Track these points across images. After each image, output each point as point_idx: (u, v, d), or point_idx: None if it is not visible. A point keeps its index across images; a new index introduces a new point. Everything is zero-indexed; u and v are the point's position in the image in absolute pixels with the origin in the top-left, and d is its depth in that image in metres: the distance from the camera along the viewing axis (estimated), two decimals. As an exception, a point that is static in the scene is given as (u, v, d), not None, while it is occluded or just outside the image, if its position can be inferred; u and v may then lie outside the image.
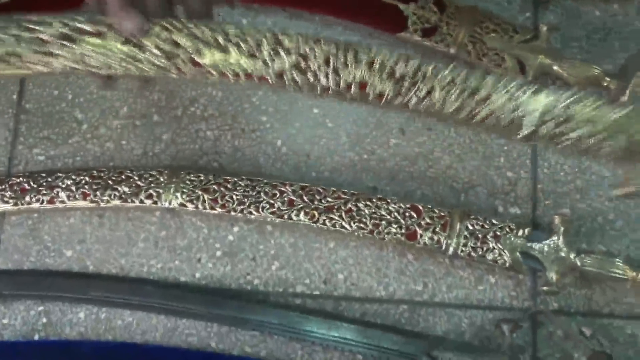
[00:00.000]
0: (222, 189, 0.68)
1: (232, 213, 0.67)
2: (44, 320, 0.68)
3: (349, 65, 0.46)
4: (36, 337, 0.67)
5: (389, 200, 0.66)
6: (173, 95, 0.72)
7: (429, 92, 0.45)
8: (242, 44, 0.46)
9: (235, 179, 0.68)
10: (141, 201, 0.68)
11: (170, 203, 0.68)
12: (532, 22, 0.71)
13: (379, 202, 0.67)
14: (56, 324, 0.68)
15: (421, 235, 0.65)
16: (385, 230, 0.66)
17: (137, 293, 0.67)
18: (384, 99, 0.46)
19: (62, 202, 0.69)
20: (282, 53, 0.46)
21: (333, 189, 0.67)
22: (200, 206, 0.68)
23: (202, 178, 0.69)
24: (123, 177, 0.70)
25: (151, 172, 0.70)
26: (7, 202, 0.69)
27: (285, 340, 0.65)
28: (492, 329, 0.64)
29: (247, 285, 0.68)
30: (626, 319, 0.64)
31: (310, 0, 0.73)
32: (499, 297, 0.65)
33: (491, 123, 0.45)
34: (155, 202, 0.68)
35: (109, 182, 0.69)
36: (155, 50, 0.46)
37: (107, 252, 0.70)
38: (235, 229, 0.70)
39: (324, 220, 0.66)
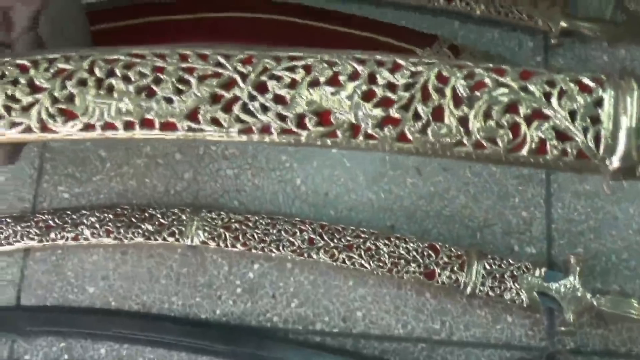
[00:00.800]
0: (243, 227, 0.70)
1: (253, 251, 0.68)
2: (66, 356, 0.69)
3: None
4: (58, 373, 0.65)
5: (407, 239, 0.68)
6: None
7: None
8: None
9: (256, 217, 0.70)
10: (164, 239, 0.70)
11: (192, 240, 0.70)
12: (543, 67, 0.73)
13: (397, 241, 0.68)
14: (77, 360, 0.65)
15: (439, 274, 0.66)
16: (404, 269, 0.67)
17: (158, 330, 0.68)
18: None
19: (86, 239, 0.70)
20: None
21: (352, 227, 0.68)
22: (222, 244, 0.69)
23: (224, 216, 0.70)
24: (146, 214, 0.71)
25: (174, 210, 0.71)
26: (32, 239, 0.71)
27: (304, 377, 0.63)
28: (509, 368, 0.62)
29: (266, 323, 0.69)
30: (642, 359, 0.62)
31: (327, 43, 0.71)
32: (516, 336, 0.66)
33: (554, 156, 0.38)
34: (177, 240, 0.70)
35: (133, 219, 0.71)
36: None
37: (130, 289, 0.71)
38: (256, 266, 0.71)
39: (344, 258, 0.67)
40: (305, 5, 0.76)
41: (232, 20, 0.76)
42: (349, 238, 0.68)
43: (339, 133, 0.39)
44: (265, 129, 0.40)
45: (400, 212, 0.72)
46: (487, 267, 0.66)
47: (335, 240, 0.68)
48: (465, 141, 0.38)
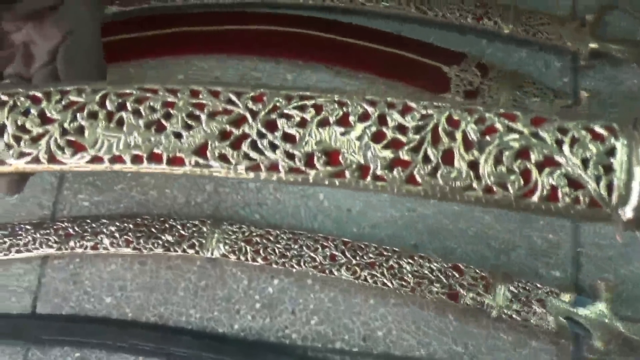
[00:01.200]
0: (264, 240, 0.70)
1: (274, 265, 0.69)
2: (81, 366, 0.67)
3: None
4: (72, 384, 0.67)
5: (430, 259, 0.67)
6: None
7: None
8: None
9: (278, 232, 0.70)
10: (184, 250, 0.70)
11: (212, 253, 0.70)
12: (570, 88, 0.73)
13: (420, 260, 0.68)
14: (92, 370, 0.67)
15: (463, 296, 0.66)
16: (427, 289, 0.66)
17: (175, 343, 0.68)
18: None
19: (105, 248, 0.71)
20: None
21: (374, 245, 0.68)
22: (242, 257, 0.69)
23: (245, 229, 0.71)
24: (166, 225, 0.72)
25: (194, 222, 0.72)
26: (51, 247, 0.72)
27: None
28: (533, 394, 0.63)
29: (285, 339, 0.69)
30: (671, 388, 0.62)
31: (354, 58, 0.75)
32: (540, 361, 0.64)
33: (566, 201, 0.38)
34: (197, 252, 0.70)
35: (152, 230, 0.71)
36: None
37: (147, 300, 0.71)
38: (276, 281, 0.71)
39: (366, 276, 0.67)
40: (331, 19, 0.77)
41: (254, 33, 0.78)
42: (371, 255, 0.68)
43: (347, 173, 0.40)
44: (273, 167, 0.41)
45: (424, 230, 0.71)
46: (513, 290, 0.66)
47: (357, 258, 0.68)
48: (475, 185, 0.38)
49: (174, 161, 0.42)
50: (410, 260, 0.67)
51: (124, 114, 0.43)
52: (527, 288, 0.65)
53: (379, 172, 0.40)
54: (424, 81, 0.73)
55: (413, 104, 0.40)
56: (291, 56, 0.76)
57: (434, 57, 0.74)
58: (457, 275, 0.67)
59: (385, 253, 0.68)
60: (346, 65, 0.75)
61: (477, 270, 0.66)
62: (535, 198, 0.38)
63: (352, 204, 0.73)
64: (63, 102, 0.44)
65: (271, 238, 0.70)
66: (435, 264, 0.67)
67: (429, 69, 0.73)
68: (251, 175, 0.41)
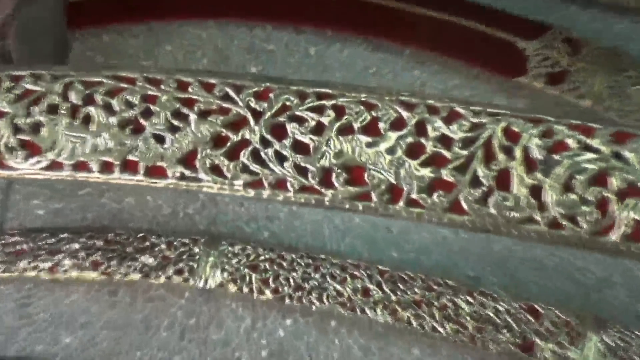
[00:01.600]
0: (275, 267, 0.67)
1: (287, 301, 0.67)
2: None
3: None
4: None
5: (496, 297, 0.65)
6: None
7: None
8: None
9: (293, 256, 0.68)
10: (168, 277, 0.68)
11: (206, 282, 0.68)
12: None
13: (483, 298, 0.65)
14: None
15: (540, 348, 0.63)
16: (491, 337, 0.64)
17: None
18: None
19: (66, 271, 0.69)
20: None
21: (421, 276, 0.66)
22: (245, 288, 0.67)
23: (250, 252, 0.68)
24: (147, 243, 0.69)
25: (183, 240, 0.69)
26: None
27: None
28: None
29: None
30: None
31: (400, 29, 0.72)
32: None
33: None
34: (186, 280, 0.68)
35: (128, 249, 0.69)
36: None
37: (118, 342, 0.69)
38: (288, 321, 0.68)
39: (409, 317, 0.65)
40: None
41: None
42: (416, 290, 0.65)
43: (373, 196, 0.40)
44: (280, 184, 0.41)
45: (488, 258, 0.68)
46: (608, 341, 0.62)
47: (398, 293, 0.65)
48: (537, 217, 0.38)
49: (154, 172, 0.42)
50: (469, 298, 0.65)
51: (92, 109, 0.43)
52: (627, 338, 0.62)
53: (414, 195, 0.39)
54: (492, 61, 0.69)
55: (462, 110, 0.39)
56: (316, 24, 0.73)
57: (506, 29, 0.70)
58: (532, 320, 0.64)
59: (435, 287, 0.65)
60: (388, 37, 0.72)
61: (560, 313, 0.63)
62: (613, 236, 0.37)
63: (392, 220, 0.70)
64: (15, 92, 0.44)
65: (284, 264, 0.67)
66: (502, 304, 0.64)
67: (499, 45, 0.69)
68: (251, 193, 0.41)
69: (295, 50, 0.74)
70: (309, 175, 0.40)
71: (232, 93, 0.42)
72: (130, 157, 0.42)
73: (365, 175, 0.40)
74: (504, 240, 0.69)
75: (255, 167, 0.41)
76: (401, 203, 0.39)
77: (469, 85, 0.70)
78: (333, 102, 0.41)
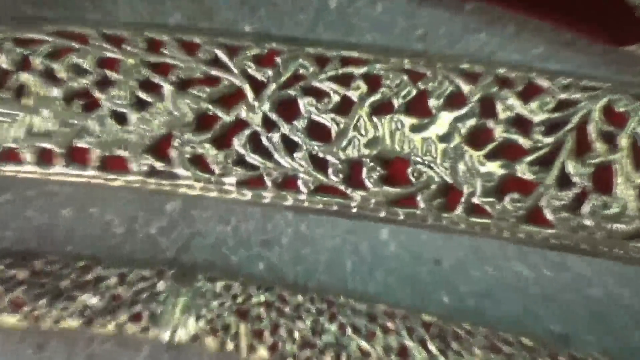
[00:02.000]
0: (273, 314, 0.63)
1: None
2: None
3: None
4: None
5: None
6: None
7: None
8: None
9: (300, 298, 0.64)
10: (120, 325, 0.63)
11: (174, 333, 0.63)
12: None
13: None
14: None
15: None
16: None
17: None
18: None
19: None
20: None
21: (484, 329, 0.62)
22: (229, 343, 0.62)
23: (237, 291, 0.64)
24: (89, 276, 0.65)
25: (142, 272, 0.65)
26: None
27: None
28: None
29: None
30: None
31: None
32: None
33: None
34: (145, 329, 0.63)
35: (63, 284, 0.64)
36: None
37: None
38: None
39: None
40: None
41: None
42: (477, 351, 0.60)
43: (420, 200, 0.39)
44: (288, 182, 0.41)
45: (579, 306, 0.62)
46: None
47: (449, 354, 0.60)
48: None
49: (111, 164, 0.42)
50: (554, 363, 0.72)
51: (27, 76, 0.42)
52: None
53: (477, 200, 0.38)
54: (593, 22, 0.63)
55: (544, 81, 0.38)
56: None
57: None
58: (639, 396, 0.70)
59: (504, 348, 0.60)
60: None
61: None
62: None
63: (443, 246, 0.63)
64: None
65: (286, 310, 0.63)
66: (599, 370, 0.72)
67: (603, 1, 0.65)
68: (247, 195, 0.42)
69: (307, 3, 0.67)
70: (330, 171, 0.40)
71: (223, 56, 0.40)
72: (79, 143, 0.41)
73: (409, 170, 0.39)
74: (602, 277, 0.64)
75: (254, 159, 0.40)
76: (459, 211, 0.38)
77: (558, 56, 0.69)
78: (364, 69, 0.39)
